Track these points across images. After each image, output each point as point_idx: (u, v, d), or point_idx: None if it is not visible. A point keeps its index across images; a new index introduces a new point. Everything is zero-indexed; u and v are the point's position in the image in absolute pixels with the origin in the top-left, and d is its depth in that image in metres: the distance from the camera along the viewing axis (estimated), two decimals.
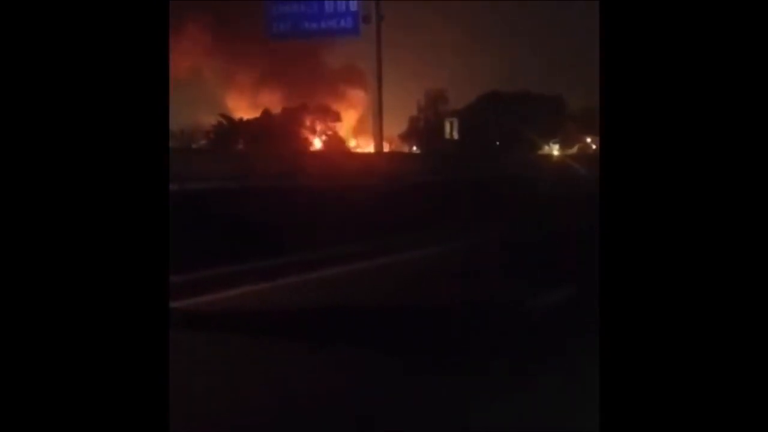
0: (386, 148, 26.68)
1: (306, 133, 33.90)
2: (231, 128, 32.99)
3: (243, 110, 35.71)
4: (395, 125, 33.61)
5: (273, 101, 35.73)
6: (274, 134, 31.54)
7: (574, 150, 36.26)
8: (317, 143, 33.30)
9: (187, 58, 33.44)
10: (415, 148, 34.87)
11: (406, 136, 35.50)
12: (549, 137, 36.03)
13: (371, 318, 6.55)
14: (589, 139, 36.73)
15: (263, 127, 32.39)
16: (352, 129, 35.68)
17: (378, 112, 19.59)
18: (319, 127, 33.91)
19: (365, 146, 31.40)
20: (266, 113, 34.60)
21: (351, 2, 23.36)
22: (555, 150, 36.21)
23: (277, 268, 8.56)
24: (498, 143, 33.79)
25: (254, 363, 5.16)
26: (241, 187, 12.13)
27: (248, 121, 33.91)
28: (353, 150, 32.17)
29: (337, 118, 35.18)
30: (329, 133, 33.91)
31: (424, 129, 34.78)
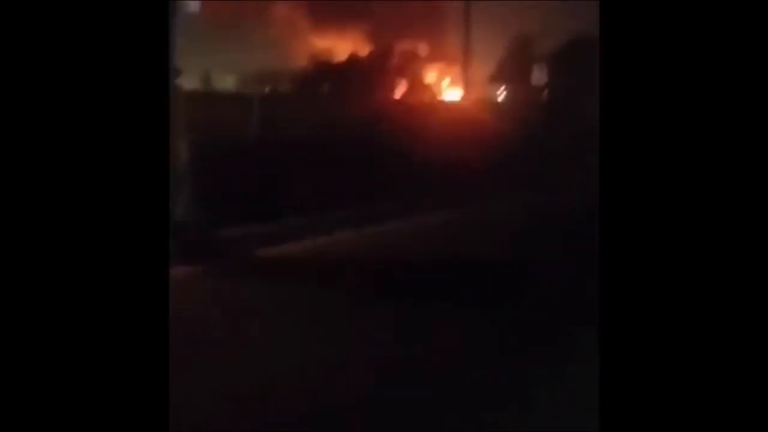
0: (473, 95, 26.49)
1: (392, 78, 33.74)
2: (318, 72, 33.05)
3: (326, 53, 35.71)
4: (483, 69, 33.13)
5: (357, 44, 35.64)
6: (360, 79, 31.53)
7: None
8: (403, 88, 33.15)
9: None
10: (501, 92, 34.39)
11: (493, 81, 35.02)
12: None
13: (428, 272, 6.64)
14: None
15: (349, 72, 32.36)
16: (439, 73, 35.39)
17: (466, 59, 19.46)
18: (405, 72, 33.69)
19: (452, 90, 31.20)
20: (352, 56, 34.53)
21: None
22: None
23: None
24: (587, 90, 33.05)
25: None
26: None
27: (335, 65, 33.92)
28: (439, 97, 31.92)
29: (423, 62, 34.88)
30: (415, 78, 33.68)
31: (512, 74, 34.20)
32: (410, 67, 34.60)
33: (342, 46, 35.57)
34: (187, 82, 12.14)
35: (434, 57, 35.81)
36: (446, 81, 34.09)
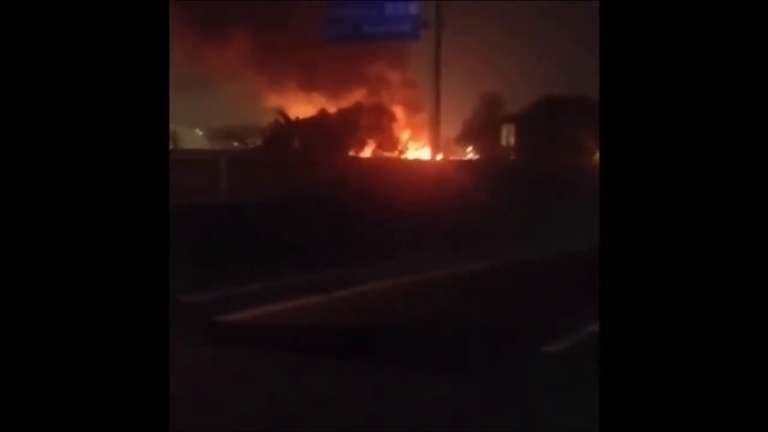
0: (441, 153, 26.73)
1: (361, 134, 33.95)
2: (288, 127, 33.18)
3: (296, 110, 35.98)
4: (450, 128, 33.54)
5: (327, 102, 35.88)
6: (329, 134, 31.68)
7: None
8: (371, 145, 33.36)
9: (238, 58, 33.55)
10: (470, 151, 34.74)
11: (461, 140, 35.40)
12: None
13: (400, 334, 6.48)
14: None
15: (319, 127, 32.53)
16: (408, 131, 35.65)
17: (435, 119, 19.54)
18: (374, 128, 33.92)
19: (420, 148, 31.43)
20: (322, 112, 34.77)
21: (411, 5, 23.24)
22: None
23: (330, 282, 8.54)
24: (553, 149, 33.44)
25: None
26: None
27: (304, 120, 34.11)
28: (408, 154, 32.14)
29: (392, 118, 35.17)
30: (385, 134, 33.91)
31: (480, 134, 34.61)
32: (379, 124, 34.83)
33: (307, 102, 35.75)
34: None
35: (403, 114, 36.14)
36: (416, 139, 34.37)
